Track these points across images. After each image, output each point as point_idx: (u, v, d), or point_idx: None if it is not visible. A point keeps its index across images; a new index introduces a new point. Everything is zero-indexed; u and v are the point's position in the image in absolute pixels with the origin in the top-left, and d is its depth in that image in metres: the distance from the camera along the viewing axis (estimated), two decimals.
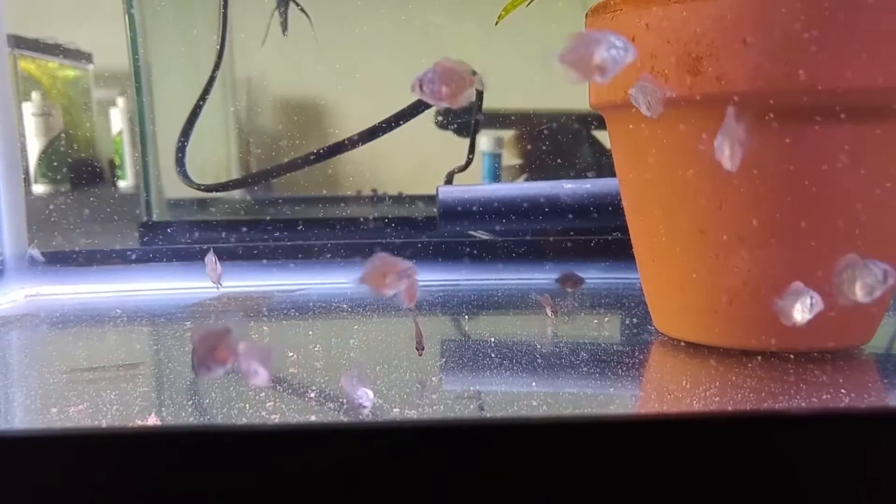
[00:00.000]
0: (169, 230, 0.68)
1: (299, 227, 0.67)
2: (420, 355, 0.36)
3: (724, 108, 0.33)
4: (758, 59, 0.32)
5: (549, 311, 0.45)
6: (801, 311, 0.30)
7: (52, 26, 0.82)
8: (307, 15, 0.71)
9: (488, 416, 0.31)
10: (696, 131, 0.34)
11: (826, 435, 0.25)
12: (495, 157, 0.76)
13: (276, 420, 0.29)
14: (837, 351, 0.36)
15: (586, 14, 0.39)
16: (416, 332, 0.37)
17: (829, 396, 0.31)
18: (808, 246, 0.34)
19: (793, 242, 0.34)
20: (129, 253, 0.61)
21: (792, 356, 0.36)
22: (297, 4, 0.70)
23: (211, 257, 0.48)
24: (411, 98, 0.64)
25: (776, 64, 0.31)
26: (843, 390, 0.32)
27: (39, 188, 0.83)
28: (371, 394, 0.30)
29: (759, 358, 0.36)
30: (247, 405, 0.31)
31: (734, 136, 0.28)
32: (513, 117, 0.74)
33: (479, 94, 0.65)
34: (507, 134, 0.76)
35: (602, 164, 0.71)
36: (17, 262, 0.59)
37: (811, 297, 0.30)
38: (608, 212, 0.57)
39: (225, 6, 0.67)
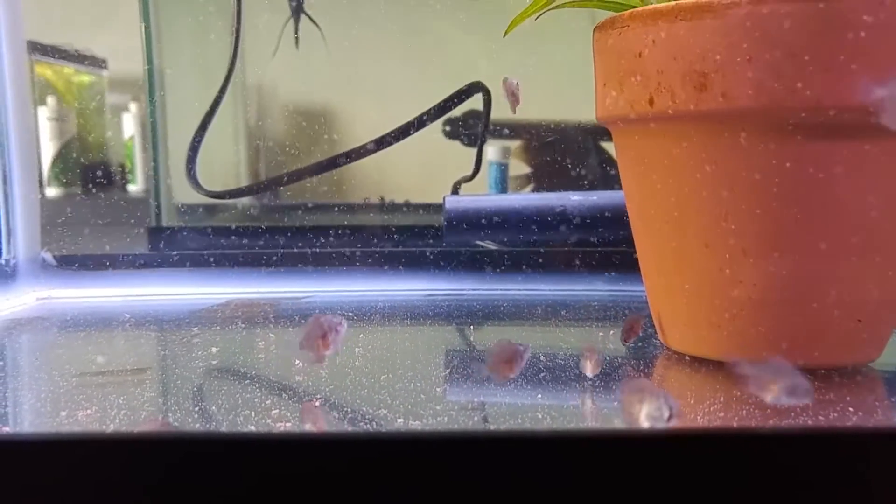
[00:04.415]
0: (178, 235, 0.69)
1: (307, 234, 0.67)
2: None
3: (729, 124, 0.33)
4: (761, 76, 0.32)
5: (589, 366, 0.37)
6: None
7: (68, 32, 0.83)
8: (318, 26, 0.72)
9: (492, 428, 0.31)
10: (702, 146, 0.34)
11: (832, 453, 0.25)
12: (502, 167, 0.77)
13: (282, 428, 0.30)
14: (845, 368, 0.36)
15: (594, 30, 0.39)
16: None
17: (836, 414, 0.31)
18: (812, 260, 0.34)
19: (797, 256, 0.34)
20: (138, 258, 0.61)
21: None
22: (309, 16, 0.71)
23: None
24: (420, 106, 0.64)
25: (779, 81, 0.32)
26: (850, 408, 0.31)
27: (52, 191, 0.84)
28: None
29: None
30: (252, 412, 0.31)
31: None
32: (515, 129, 0.74)
33: (487, 105, 0.65)
34: (515, 144, 0.76)
35: (609, 175, 0.71)
36: (29, 265, 0.60)
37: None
38: (614, 224, 0.57)
39: (238, 15, 0.68)
